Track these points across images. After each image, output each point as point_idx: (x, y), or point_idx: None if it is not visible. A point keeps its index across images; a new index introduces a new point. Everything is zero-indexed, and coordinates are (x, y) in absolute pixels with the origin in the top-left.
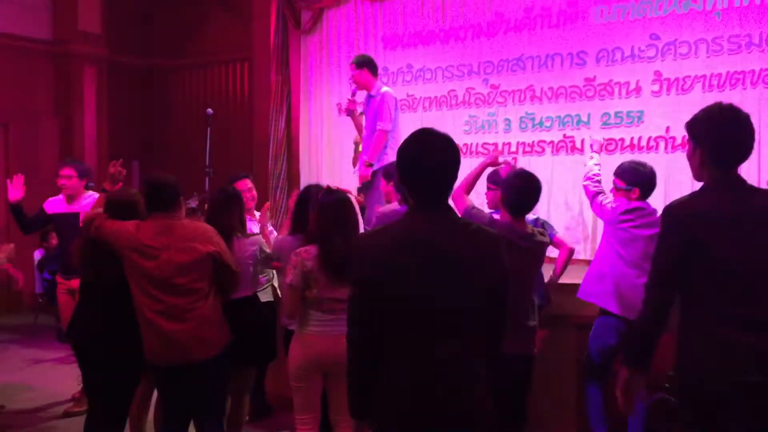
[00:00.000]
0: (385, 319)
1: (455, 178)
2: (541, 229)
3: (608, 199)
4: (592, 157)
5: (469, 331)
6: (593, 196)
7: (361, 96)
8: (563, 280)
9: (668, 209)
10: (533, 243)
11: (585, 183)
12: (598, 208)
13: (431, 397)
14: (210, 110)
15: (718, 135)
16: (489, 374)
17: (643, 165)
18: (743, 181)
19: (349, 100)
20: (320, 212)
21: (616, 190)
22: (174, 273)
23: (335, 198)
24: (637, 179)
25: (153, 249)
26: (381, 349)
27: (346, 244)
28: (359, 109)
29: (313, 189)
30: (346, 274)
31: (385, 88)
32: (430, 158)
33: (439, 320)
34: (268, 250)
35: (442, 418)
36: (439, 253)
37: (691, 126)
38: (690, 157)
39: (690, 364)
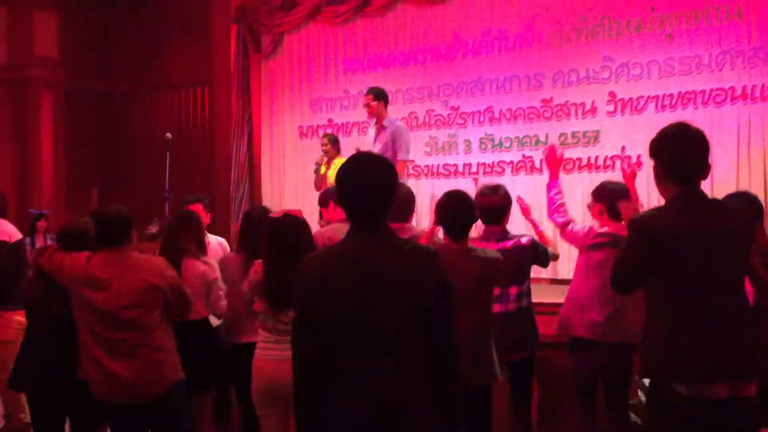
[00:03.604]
0: (326, 341)
1: (390, 199)
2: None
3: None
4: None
5: (411, 351)
6: (562, 226)
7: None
8: None
9: (633, 222)
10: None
11: (551, 216)
12: (569, 236)
13: (374, 419)
14: (169, 135)
15: (669, 151)
16: (434, 394)
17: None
18: (703, 196)
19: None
20: (269, 237)
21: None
22: (122, 305)
23: (284, 223)
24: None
25: (102, 280)
26: (325, 372)
27: (290, 272)
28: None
29: (257, 210)
30: (285, 301)
31: (398, 122)
32: (363, 181)
33: (378, 341)
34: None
35: None
36: (376, 274)
37: (650, 144)
38: (654, 175)
39: (653, 371)
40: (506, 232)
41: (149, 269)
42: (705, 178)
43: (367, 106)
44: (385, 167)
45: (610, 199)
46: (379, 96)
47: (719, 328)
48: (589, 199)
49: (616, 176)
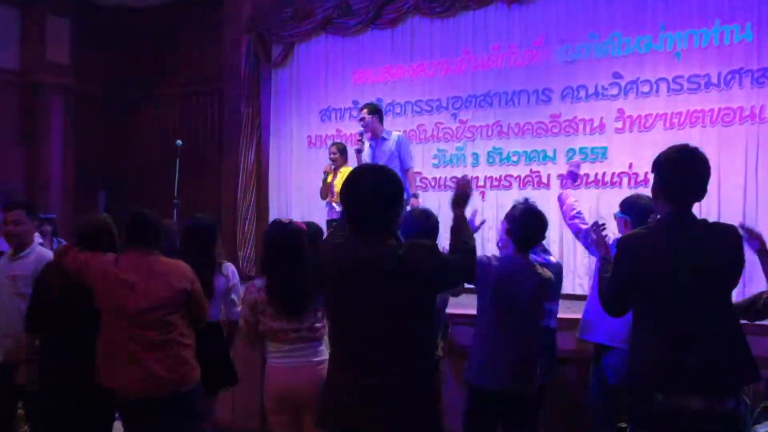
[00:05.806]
0: (333, 325)
1: (388, 205)
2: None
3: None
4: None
5: (413, 336)
6: (584, 234)
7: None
8: None
9: (622, 240)
10: None
11: (570, 222)
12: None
13: (377, 402)
14: (179, 141)
15: (671, 172)
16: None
17: (638, 197)
18: (693, 219)
19: (359, 140)
20: (266, 244)
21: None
22: (148, 306)
23: (282, 230)
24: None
25: (129, 281)
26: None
27: (293, 275)
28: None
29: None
30: (292, 305)
31: (396, 132)
32: (360, 190)
33: (382, 328)
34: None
35: (389, 423)
36: (378, 271)
37: (654, 160)
38: (651, 189)
39: (634, 380)
40: None
41: (175, 274)
42: (699, 200)
43: (362, 120)
44: (385, 177)
45: (639, 212)
46: (374, 111)
47: (697, 347)
48: (596, 214)
49: (623, 193)
